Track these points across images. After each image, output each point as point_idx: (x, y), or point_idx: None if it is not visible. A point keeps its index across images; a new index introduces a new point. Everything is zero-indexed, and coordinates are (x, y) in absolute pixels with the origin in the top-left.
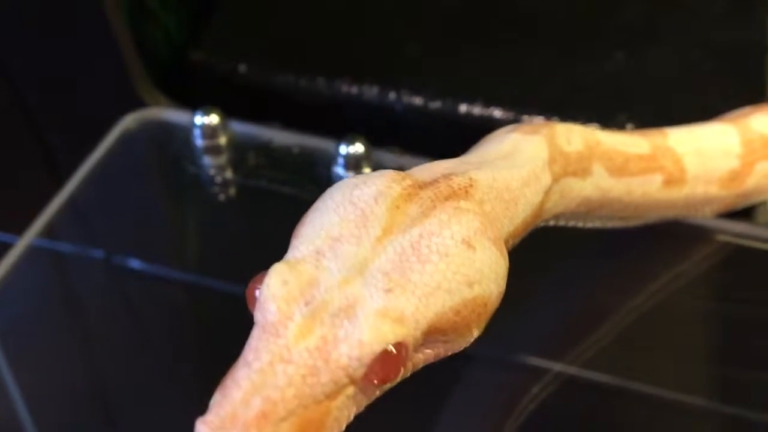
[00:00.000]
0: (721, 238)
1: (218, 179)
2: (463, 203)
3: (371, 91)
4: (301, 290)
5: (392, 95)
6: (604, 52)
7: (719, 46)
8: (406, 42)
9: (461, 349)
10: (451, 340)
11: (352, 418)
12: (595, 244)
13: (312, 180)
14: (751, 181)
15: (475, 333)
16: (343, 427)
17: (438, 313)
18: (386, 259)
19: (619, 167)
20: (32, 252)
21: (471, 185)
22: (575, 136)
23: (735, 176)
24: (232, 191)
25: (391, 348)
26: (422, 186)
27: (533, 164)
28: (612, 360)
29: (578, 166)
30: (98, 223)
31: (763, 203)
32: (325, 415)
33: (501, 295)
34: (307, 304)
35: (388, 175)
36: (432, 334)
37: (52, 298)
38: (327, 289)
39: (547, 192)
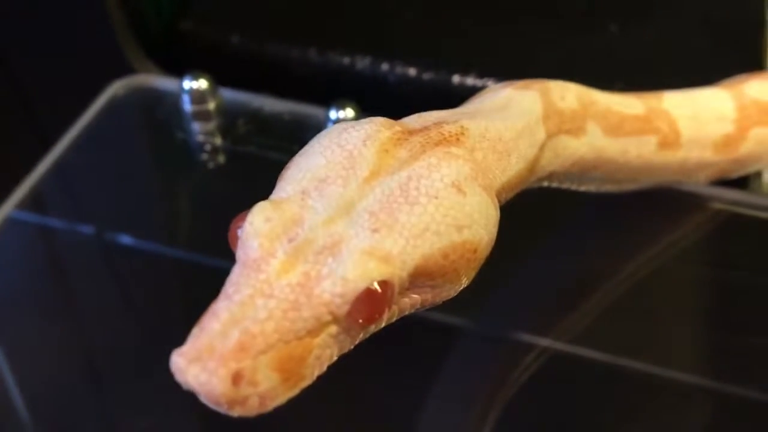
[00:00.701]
0: (715, 205)
1: (207, 146)
2: (453, 149)
3: (364, 62)
4: (285, 228)
5: (385, 66)
6: (599, 23)
7: (716, 20)
8: (400, 12)
9: (449, 297)
10: (438, 285)
11: (335, 358)
12: (586, 212)
13: (302, 145)
14: (745, 147)
15: (464, 281)
16: (325, 367)
17: (425, 254)
18: (373, 199)
19: (614, 127)
20: (16, 223)
21: (462, 133)
22: (569, 94)
23: (729, 141)
24: (221, 158)
25: (376, 286)
26: (412, 132)
27: (527, 117)
28: (604, 331)
29: (573, 125)
30: (85, 188)
31: (756, 173)
32: (307, 352)
33: (491, 243)
34: (290, 241)
35: (377, 120)
36: (419, 277)
37: (37, 269)
38: (311, 227)
39: (542, 147)
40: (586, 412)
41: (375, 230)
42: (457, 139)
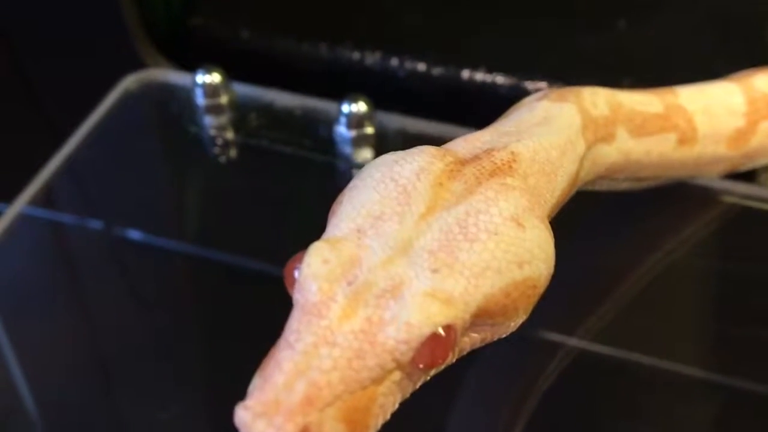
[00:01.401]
0: (727, 199)
1: (219, 140)
2: (509, 180)
3: (373, 57)
4: (343, 269)
5: (395, 61)
6: (607, 19)
7: (724, 15)
8: (409, 7)
9: (506, 333)
10: (498, 323)
11: (397, 405)
12: (598, 209)
13: (314, 140)
14: (756, 140)
15: (523, 316)
16: (389, 416)
17: (487, 294)
18: (431, 237)
19: (638, 128)
20: (29, 218)
21: (514, 160)
22: (600, 100)
23: (741, 135)
24: (233, 152)
25: (440, 331)
26: (464, 162)
27: (568, 131)
28: (621, 328)
29: (605, 132)
30: (97, 184)
31: (764, 167)
32: (371, 401)
33: (550, 276)
34: (349, 283)
35: (428, 150)
36: (480, 316)
37: (48, 265)
38: (370, 268)
39: (582, 159)
40: (606, 409)
41: (435, 270)
42: (510, 167)
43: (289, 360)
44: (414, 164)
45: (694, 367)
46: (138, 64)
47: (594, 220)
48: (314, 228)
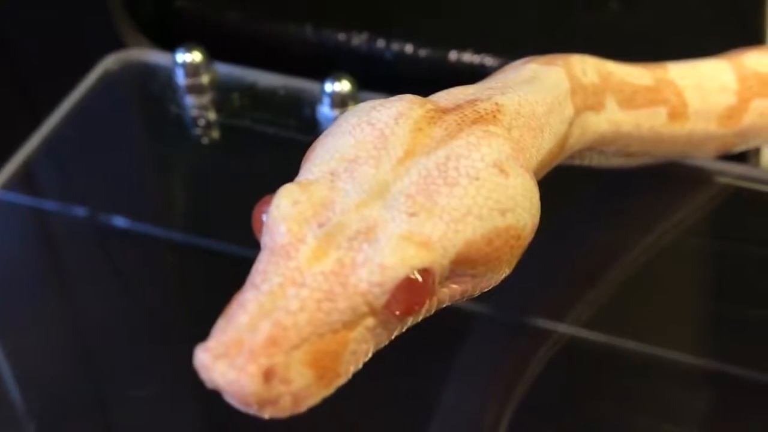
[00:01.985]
0: (721, 180)
1: (201, 120)
2: (491, 127)
3: (360, 39)
4: (314, 211)
5: (381, 42)
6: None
7: None
8: None
9: (489, 287)
10: (479, 274)
11: (370, 354)
12: (591, 189)
13: (297, 120)
14: (747, 119)
15: (506, 270)
16: (360, 364)
17: (468, 240)
18: (409, 181)
19: (628, 99)
20: (5, 203)
21: (498, 110)
22: (589, 68)
23: (732, 113)
24: (215, 132)
25: (416, 275)
26: (445, 110)
27: (556, 91)
28: (615, 312)
29: (595, 100)
30: (78, 166)
31: (755, 149)
32: (342, 347)
33: (535, 228)
34: (320, 225)
35: (407, 97)
36: (460, 264)
37: (29, 250)
38: (343, 210)
39: (570, 124)
40: (596, 395)
41: (413, 214)
42: (494, 117)
43: (254, 300)
44: (392, 109)
45: (687, 353)
46: (121, 45)
47: (586, 201)
48: None
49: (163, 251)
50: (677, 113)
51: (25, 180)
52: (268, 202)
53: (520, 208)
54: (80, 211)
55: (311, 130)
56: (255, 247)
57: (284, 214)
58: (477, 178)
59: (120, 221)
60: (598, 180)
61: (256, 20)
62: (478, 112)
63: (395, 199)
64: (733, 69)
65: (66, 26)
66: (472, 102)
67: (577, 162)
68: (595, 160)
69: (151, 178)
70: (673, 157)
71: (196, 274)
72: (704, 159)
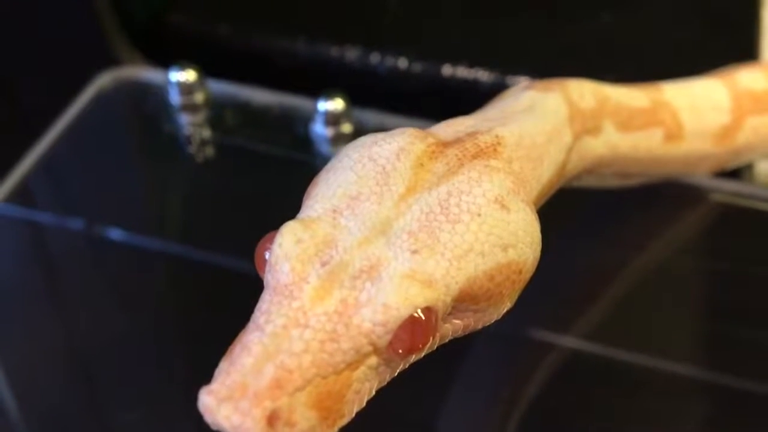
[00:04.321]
0: (715, 197)
1: (196, 138)
2: (492, 162)
3: (353, 53)
4: (317, 250)
5: (375, 57)
6: (590, 12)
7: (710, 9)
8: (389, 2)
9: (490, 322)
10: (481, 309)
11: (373, 393)
12: (585, 208)
13: (291, 138)
14: (742, 137)
15: (508, 304)
16: (364, 403)
17: (470, 277)
18: (411, 218)
19: (625, 122)
20: (2, 217)
21: (499, 143)
22: (586, 92)
23: (726, 132)
24: (210, 150)
25: (419, 314)
26: (446, 144)
27: (555, 120)
28: (610, 327)
29: (592, 124)
30: (73, 182)
31: (747, 165)
32: (345, 387)
33: (536, 262)
34: (323, 264)
35: (408, 131)
36: (462, 301)
37: (24, 264)
38: (346, 249)
39: (569, 151)
40: (594, 408)
41: (415, 251)
42: (494, 150)
43: (258, 342)
44: (394, 144)
45: (683, 366)
46: (114, 61)
47: (581, 219)
48: None
49: (159, 265)
50: (673, 134)
51: (21, 196)
52: (271, 240)
53: (521, 243)
54: (74, 224)
55: (304, 147)
56: (246, 259)
57: (287, 252)
58: (479, 215)
59: (113, 233)
60: (594, 199)
61: (248, 34)
62: (479, 146)
63: (397, 236)
64: (726, 87)
65: (58, 41)
66: (473, 135)
67: (574, 184)
68: (591, 182)
69: (146, 195)
70: (668, 177)
71: (191, 288)
72: (698, 177)
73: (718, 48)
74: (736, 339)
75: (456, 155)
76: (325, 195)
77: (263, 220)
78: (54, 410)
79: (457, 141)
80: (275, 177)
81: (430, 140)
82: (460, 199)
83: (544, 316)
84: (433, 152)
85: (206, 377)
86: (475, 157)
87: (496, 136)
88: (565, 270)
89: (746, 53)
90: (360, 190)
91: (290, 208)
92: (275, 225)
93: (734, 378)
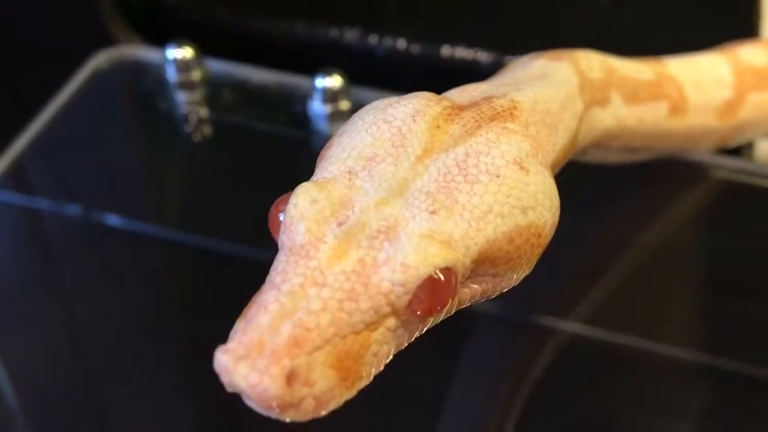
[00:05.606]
0: (716, 174)
1: (193, 116)
2: (510, 124)
3: (352, 34)
4: (333, 210)
5: (373, 38)
6: None
7: None
8: None
9: (508, 287)
10: (500, 274)
11: (392, 356)
12: (585, 187)
13: (289, 116)
14: (744, 113)
15: (526, 269)
16: (382, 366)
17: (490, 239)
18: (429, 179)
19: (631, 94)
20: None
21: (515, 107)
22: (594, 63)
23: (729, 107)
24: (207, 129)
25: (439, 274)
26: (462, 107)
27: (567, 87)
28: (609, 307)
29: (601, 95)
30: (69, 164)
31: (748, 144)
32: (364, 348)
33: (554, 226)
34: (340, 224)
35: (423, 94)
36: (481, 264)
37: (22, 249)
38: (362, 209)
39: (580, 120)
40: (594, 391)
41: (434, 212)
42: (511, 114)
43: (275, 301)
44: (409, 106)
45: (685, 348)
46: (112, 43)
47: (582, 197)
48: None
49: (156, 249)
50: (677, 108)
51: (15, 178)
52: (285, 201)
53: (540, 205)
54: (71, 209)
55: (303, 125)
56: (248, 243)
57: (303, 212)
58: (498, 176)
59: (111, 218)
60: (594, 176)
61: (247, 16)
62: (495, 109)
63: (415, 197)
64: (728, 63)
65: (56, 23)
66: (488, 99)
67: (579, 158)
68: (597, 156)
69: (142, 175)
70: (671, 152)
71: (189, 271)
72: (700, 153)
73: (719, 30)
74: (738, 317)
75: (472, 117)
76: (339, 157)
77: (261, 199)
78: (50, 393)
79: (473, 104)
80: (273, 155)
81: (446, 103)
82: (479, 160)
83: (543, 297)
84: (449, 114)
85: (205, 361)
86: (491, 119)
87: (512, 100)
88: (566, 249)
89: (747, 35)
90: (376, 152)
91: (288, 186)
92: (272, 203)
93: (736, 360)
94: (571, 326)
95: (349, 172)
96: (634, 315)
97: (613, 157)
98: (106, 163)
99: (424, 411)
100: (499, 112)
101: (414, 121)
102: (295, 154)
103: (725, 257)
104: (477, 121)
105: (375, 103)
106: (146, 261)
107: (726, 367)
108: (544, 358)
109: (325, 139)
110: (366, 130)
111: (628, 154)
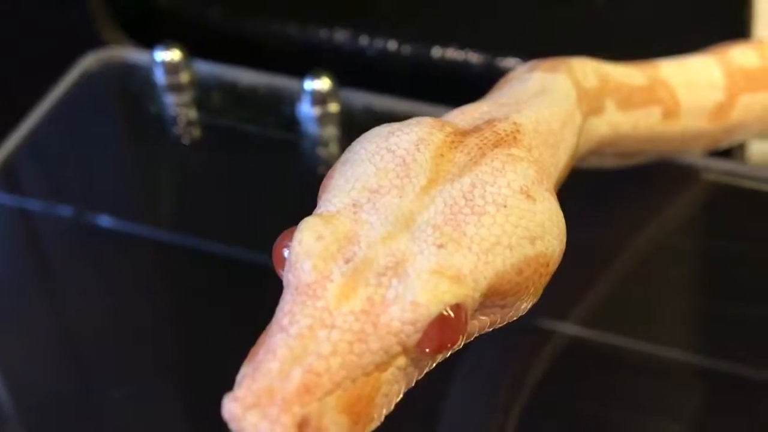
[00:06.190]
0: (708, 176)
1: (182, 119)
2: (514, 150)
3: (343, 35)
4: (339, 246)
5: (364, 39)
6: None
7: None
8: None
9: (516, 317)
10: (508, 304)
11: (402, 395)
12: (578, 191)
13: (278, 118)
14: (736, 115)
15: (533, 298)
16: (392, 406)
17: (498, 271)
18: (435, 211)
19: (625, 100)
20: None
21: (517, 130)
22: (589, 71)
23: (721, 109)
24: (196, 131)
25: (449, 311)
26: (464, 133)
27: (567, 103)
28: (602, 310)
29: (596, 104)
30: (58, 165)
31: (739, 145)
32: (375, 390)
33: (562, 254)
34: (347, 261)
35: (425, 121)
36: (490, 296)
37: (13, 250)
38: (369, 244)
39: (580, 133)
40: (592, 393)
41: (441, 246)
42: (514, 138)
43: (283, 345)
44: (412, 135)
45: (679, 350)
46: (102, 44)
47: (575, 201)
48: (280, 208)
49: (147, 249)
50: (670, 112)
51: (5, 178)
52: (289, 237)
53: (548, 234)
54: (62, 210)
55: (291, 127)
56: (237, 244)
57: (308, 249)
58: (505, 206)
59: (101, 219)
60: (587, 180)
61: (237, 17)
62: (498, 134)
63: (422, 230)
64: (719, 65)
65: (45, 23)
66: (490, 123)
67: (575, 165)
68: (593, 163)
69: (131, 177)
70: (664, 156)
71: (180, 272)
72: (692, 156)
73: (712, 31)
74: (732, 319)
75: (476, 144)
76: (343, 188)
77: (250, 201)
78: (42, 395)
79: (476, 129)
80: (262, 157)
81: (448, 129)
82: (485, 191)
83: (543, 297)
84: (453, 142)
85: (199, 364)
86: (495, 145)
87: (514, 123)
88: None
89: (740, 34)
90: (380, 183)
91: (277, 189)
92: (262, 205)
93: (732, 362)
94: (568, 328)
95: (354, 204)
96: (630, 317)
97: (608, 162)
98: (97, 164)
99: (422, 413)
100: (502, 137)
101: (418, 150)
102: (284, 157)
103: (720, 259)
104: (481, 148)
105: (376, 130)
106: (137, 261)
107: (723, 369)
108: (542, 360)
109: (314, 142)
110: (369, 160)
111: (622, 159)
